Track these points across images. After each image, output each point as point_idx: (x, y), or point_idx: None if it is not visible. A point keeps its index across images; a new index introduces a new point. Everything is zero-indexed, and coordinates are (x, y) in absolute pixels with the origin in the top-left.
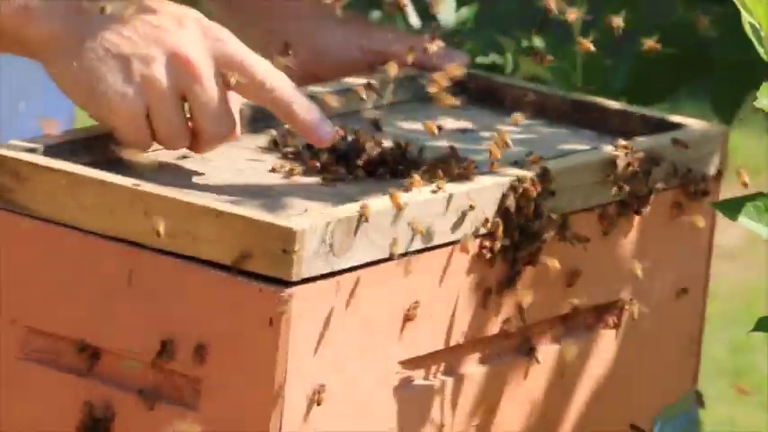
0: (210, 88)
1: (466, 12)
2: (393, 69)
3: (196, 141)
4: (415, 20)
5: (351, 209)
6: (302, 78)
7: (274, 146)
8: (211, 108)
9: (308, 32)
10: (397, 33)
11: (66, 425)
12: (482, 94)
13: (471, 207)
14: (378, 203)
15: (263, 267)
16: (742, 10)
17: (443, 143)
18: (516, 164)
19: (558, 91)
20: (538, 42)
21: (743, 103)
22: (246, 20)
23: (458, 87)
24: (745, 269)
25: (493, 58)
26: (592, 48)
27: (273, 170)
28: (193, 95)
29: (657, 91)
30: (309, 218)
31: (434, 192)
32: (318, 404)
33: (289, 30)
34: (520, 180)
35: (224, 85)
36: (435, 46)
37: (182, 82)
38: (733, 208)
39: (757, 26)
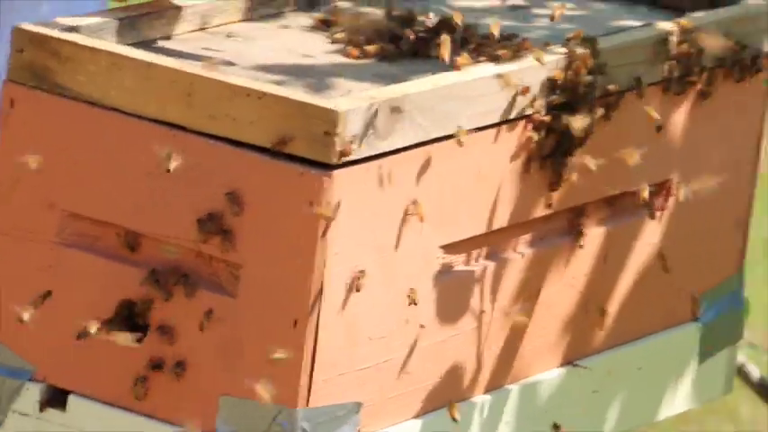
0: None
1: None
2: None
3: None
4: None
5: (395, 90)
6: None
7: (321, 26)
8: None
9: None
10: None
11: (104, 310)
12: None
13: (522, 90)
14: (423, 83)
15: (304, 150)
16: None
17: (494, 20)
18: (566, 41)
19: None
20: None
21: None
22: None
23: None
24: None
25: None
26: None
27: (320, 50)
28: None
29: None
30: (352, 99)
31: (482, 71)
32: (358, 290)
33: None
34: (570, 58)
35: None
36: None
37: None
38: None
39: None
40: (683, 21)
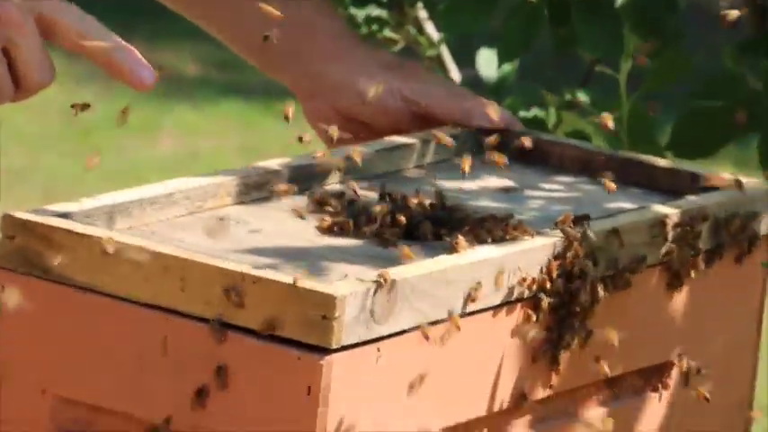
0: (31, 38)
1: (507, 67)
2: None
3: (19, 90)
4: (455, 74)
5: (392, 274)
6: (344, 121)
7: (314, 207)
8: (34, 57)
9: (349, 74)
10: (439, 86)
11: None
12: (523, 152)
13: (521, 278)
14: (419, 267)
15: (301, 334)
16: None
17: (487, 203)
18: (556, 224)
19: (603, 148)
20: (582, 97)
21: None
22: (276, 64)
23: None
24: None
25: (535, 112)
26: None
27: (313, 232)
28: (15, 46)
29: (705, 145)
30: (350, 283)
31: (479, 254)
32: None
33: (330, 71)
34: (566, 241)
35: (41, 35)
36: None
37: (2, 36)
38: None
39: None
40: (681, 205)
